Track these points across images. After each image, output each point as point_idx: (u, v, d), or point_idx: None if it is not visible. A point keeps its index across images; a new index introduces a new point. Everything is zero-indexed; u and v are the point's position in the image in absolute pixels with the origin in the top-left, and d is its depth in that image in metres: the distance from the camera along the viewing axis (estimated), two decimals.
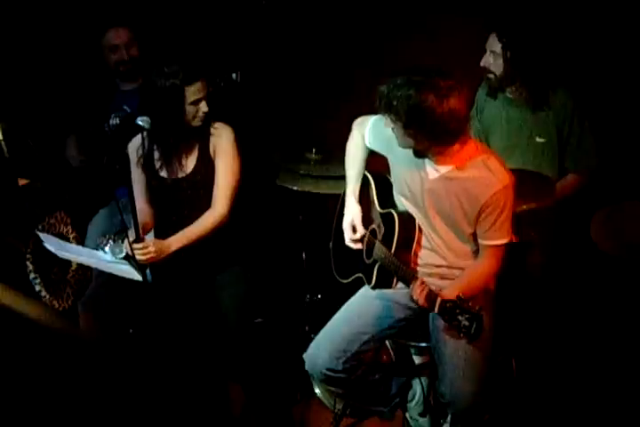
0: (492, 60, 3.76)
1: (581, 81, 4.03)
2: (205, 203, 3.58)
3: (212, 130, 3.58)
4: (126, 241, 3.37)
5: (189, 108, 3.48)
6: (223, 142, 3.57)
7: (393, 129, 3.15)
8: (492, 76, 3.81)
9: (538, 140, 3.86)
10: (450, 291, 3.16)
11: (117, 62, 4.16)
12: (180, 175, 3.59)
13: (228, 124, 3.63)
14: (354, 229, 3.52)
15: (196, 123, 3.53)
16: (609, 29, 4.11)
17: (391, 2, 4.49)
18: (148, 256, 3.40)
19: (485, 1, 4.23)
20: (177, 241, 3.51)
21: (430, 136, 3.08)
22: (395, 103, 3.03)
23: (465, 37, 4.27)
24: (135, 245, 3.37)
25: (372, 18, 4.53)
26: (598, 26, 4.12)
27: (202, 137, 3.58)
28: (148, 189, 3.66)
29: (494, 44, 3.74)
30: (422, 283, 3.17)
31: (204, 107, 3.50)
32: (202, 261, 3.64)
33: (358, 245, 3.53)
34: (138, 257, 3.38)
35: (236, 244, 3.71)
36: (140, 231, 3.39)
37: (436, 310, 3.09)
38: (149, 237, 3.55)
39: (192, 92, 3.46)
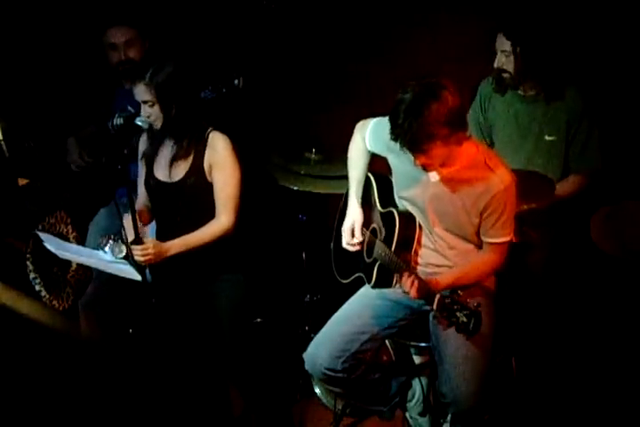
0: (505, 59, 3.78)
1: (591, 80, 4.04)
2: (200, 212, 3.53)
3: (207, 141, 3.50)
4: (120, 241, 3.37)
5: (142, 107, 3.47)
6: (219, 155, 3.49)
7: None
8: (507, 75, 3.82)
9: (547, 138, 3.86)
10: (445, 277, 3.18)
11: (116, 62, 4.13)
12: (166, 180, 3.55)
13: (224, 134, 3.53)
14: (352, 234, 3.53)
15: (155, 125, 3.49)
16: (615, 28, 4.12)
17: (390, 2, 4.49)
18: (147, 258, 3.39)
19: (486, 1, 4.24)
20: (176, 246, 3.48)
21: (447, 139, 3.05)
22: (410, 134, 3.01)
23: (464, 35, 4.28)
24: (134, 247, 3.36)
25: (371, 18, 4.53)
26: (605, 25, 4.13)
27: (195, 146, 3.51)
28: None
29: (503, 44, 3.76)
30: (410, 274, 3.15)
31: (144, 111, 3.45)
32: (201, 263, 3.62)
33: (355, 249, 3.53)
34: (136, 258, 3.37)
35: (236, 246, 3.69)
36: (140, 225, 3.39)
37: (435, 306, 3.09)
38: (150, 238, 3.54)
39: (136, 91, 3.45)
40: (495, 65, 3.81)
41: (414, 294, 3.13)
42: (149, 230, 3.67)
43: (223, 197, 3.51)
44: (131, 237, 3.38)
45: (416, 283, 3.12)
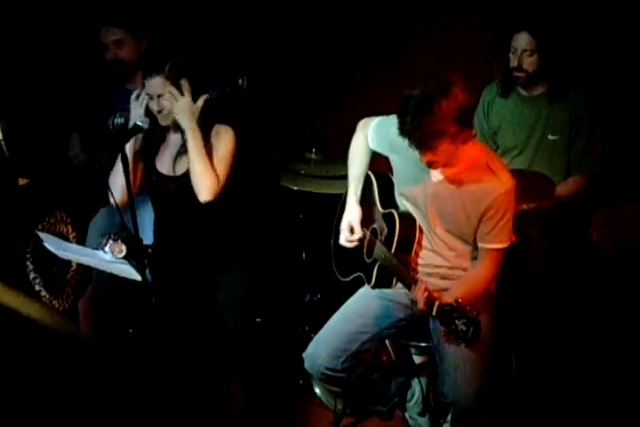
0: (528, 58, 3.78)
1: (593, 81, 4.05)
2: (200, 205, 3.52)
3: (213, 133, 3.52)
4: (120, 241, 3.38)
5: (154, 102, 3.46)
6: (221, 145, 3.51)
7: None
8: (522, 75, 3.83)
9: (550, 137, 3.89)
10: (449, 296, 3.15)
11: (107, 61, 4.11)
12: (170, 173, 3.56)
13: (231, 127, 3.55)
14: (351, 231, 3.52)
15: (160, 121, 3.48)
16: (617, 29, 4.13)
17: (390, 3, 4.49)
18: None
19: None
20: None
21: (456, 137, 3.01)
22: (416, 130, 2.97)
23: (464, 36, 4.28)
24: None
25: (371, 19, 4.53)
26: (607, 25, 4.14)
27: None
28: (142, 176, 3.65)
29: (526, 43, 3.77)
30: (423, 287, 3.15)
31: (153, 104, 3.44)
32: (201, 262, 3.63)
33: (352, 245, 3.52)
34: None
35: (236, 245, 3.69)
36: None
37: (434, 313, 3.08)
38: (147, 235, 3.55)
39: (151, 84, 3.43)
40: (513, 64, 3.81)
41: (422, 306, 3.13)
42: (146, 229, 3.67)
43: (215, 160, 3.48)
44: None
45: (427, 295, 3.12)
